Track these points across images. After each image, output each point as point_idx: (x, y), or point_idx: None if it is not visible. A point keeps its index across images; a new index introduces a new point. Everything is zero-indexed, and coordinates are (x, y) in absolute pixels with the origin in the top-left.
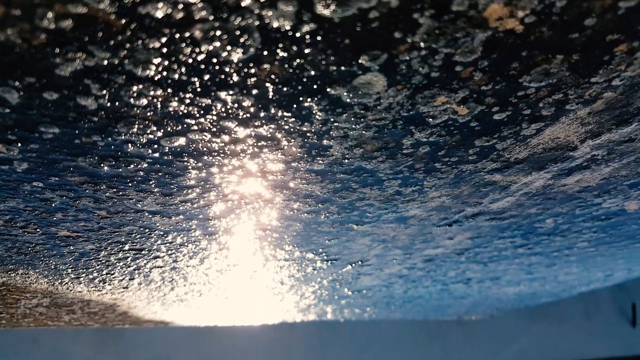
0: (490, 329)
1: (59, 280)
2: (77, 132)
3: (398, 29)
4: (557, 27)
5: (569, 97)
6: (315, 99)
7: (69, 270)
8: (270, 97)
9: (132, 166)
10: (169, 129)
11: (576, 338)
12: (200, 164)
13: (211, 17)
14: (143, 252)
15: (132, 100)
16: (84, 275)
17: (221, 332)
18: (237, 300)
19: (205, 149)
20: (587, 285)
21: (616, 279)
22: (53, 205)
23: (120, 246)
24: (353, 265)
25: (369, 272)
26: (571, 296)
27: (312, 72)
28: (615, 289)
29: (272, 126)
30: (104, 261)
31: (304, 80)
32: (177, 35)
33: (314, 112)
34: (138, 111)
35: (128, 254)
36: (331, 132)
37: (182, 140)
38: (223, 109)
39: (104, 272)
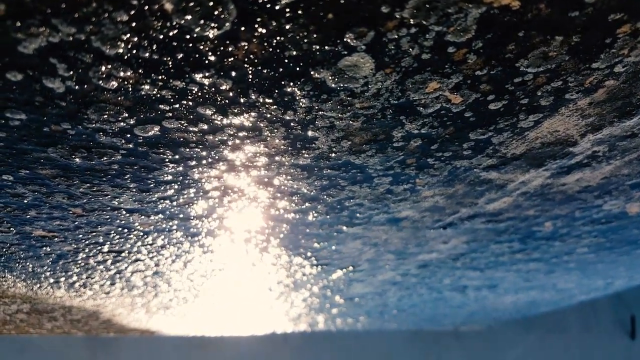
0: (487, 340)
1: (38, 285)
2: (45, 118)
3: (385, 2)
4: (556, 4)
5: (569, 85)
6: (298, 83)
7: (47, 274)
8: (249, 80)
9: (105, 158)
10: (141, 116)
11: (574, 350)
12: (177, 156)
13: None
14: (123, 254)
15: (101, 82)
16: (63, 279)
17: (219, 343)
18: (224, 308)
19: (181, 139)
20: (587, 293)
21: (617, 287)
22: (25, 201)
23: (99, 247)
24: (344, 270)
25: (361, 279)
26: (569, 306)
27: (294, 52)
28: (614, 300)
29: (253, 114)
30: (82, 264)
31: (286, 61)
32: (146, 7)
33: (297, 98)
34: (108, 95)
35: (107, 257)
36: (316, 122)
37: (156, 129)
38: (199, 93)
39: (84, 276)
